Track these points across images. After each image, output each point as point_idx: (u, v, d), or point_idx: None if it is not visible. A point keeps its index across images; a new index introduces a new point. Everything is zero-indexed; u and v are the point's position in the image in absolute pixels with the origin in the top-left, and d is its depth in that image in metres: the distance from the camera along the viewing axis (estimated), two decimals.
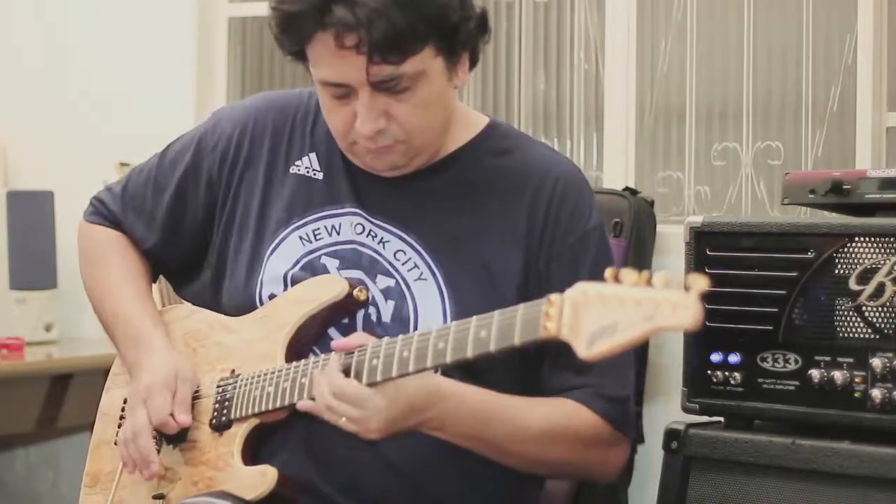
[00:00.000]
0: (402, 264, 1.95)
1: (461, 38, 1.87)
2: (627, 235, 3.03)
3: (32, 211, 3.65)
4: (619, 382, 1.96)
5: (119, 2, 3.93)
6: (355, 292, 1.93)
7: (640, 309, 1.49)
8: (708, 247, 2.26)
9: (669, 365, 3.05)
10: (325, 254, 1.98)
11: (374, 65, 1.80)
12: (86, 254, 2.19)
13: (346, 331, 1.94)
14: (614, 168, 3.44)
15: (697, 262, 2.27)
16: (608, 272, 1.54)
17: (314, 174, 2.03)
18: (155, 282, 2.20)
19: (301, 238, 2.00)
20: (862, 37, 3.16)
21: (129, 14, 3.90)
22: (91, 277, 2.17)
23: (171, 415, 1.95)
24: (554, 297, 1.60)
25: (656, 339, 3.08)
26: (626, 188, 3.18)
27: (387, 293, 1.94)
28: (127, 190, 2.16)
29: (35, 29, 4.00)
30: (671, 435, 2.25)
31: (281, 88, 3.74)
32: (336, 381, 1.79)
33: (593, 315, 1.54)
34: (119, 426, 2.10)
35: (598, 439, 1.94)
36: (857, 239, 2.13)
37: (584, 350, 1.54)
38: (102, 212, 2.18)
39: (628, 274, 1.52)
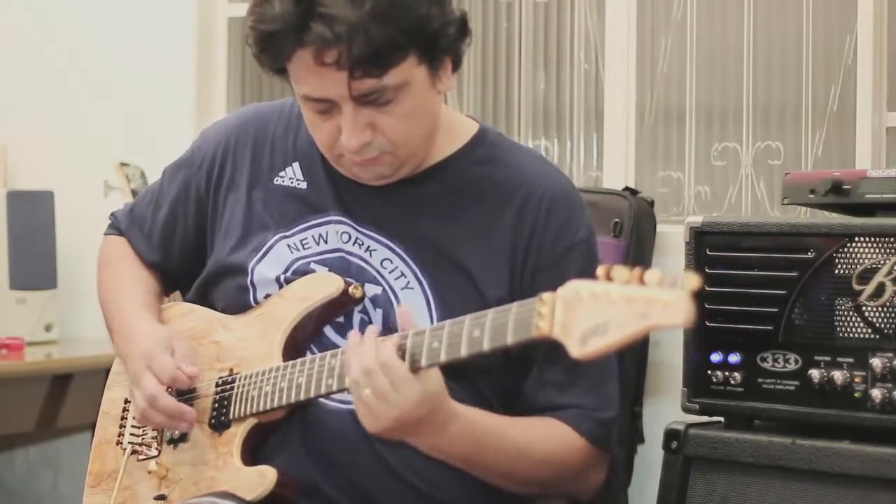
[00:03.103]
0: (389, 273, 1.95)
1: (442, 45, 1.86)
2: (627, 235, 3.03)
3: (32, 211, 3.65)
4: (606, 403, 1.96)
5: (119, 2, 3.93)
6: (350, 289, 1.93)
7: (632, 307, 1.48)
8: (708, 247, 2.26)
9: (669, 365, 3.05)
10: (315, 261, 1.98)
11: (355, 80, 1.79)
12: (100, 262, 2.24)
13: (342, 330, 1.94)
14: (614, 168, 3.44)
15: (697, 262, 2.26)
16: (600, 269, 1.53)
17: (298, 184, 2.03)
18: (168, 295, 2.22)
19: (289, 247, 2.00)
20: (862, 37, 3.15)
21: (128, 14, 3.90)
22: (100, 282, 2.21)
23: (178, 369, 1.94)
24: (546, 295, 1.59)
25: (655, 339, 3.08)
26: (626, 188, 3.18)
27: (375, 301, 1.94)
28: (135, 208, 2.22)
29: (35, 29, 4.00)
30: (671, 435, 2.25)
31: (280, 88, 3.75)
32: (387, 352, 1.74)
33: (586, 313, 1.53)
34: (121, 426, 2.10)
35: (584, 461, 1.94)
36: (857, 239, 2.13)
37: (577, 349, 1.53)
38: (116, 226, 2.23)
39: (620, 271, 1.51)
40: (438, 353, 1.70)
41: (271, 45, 1.83)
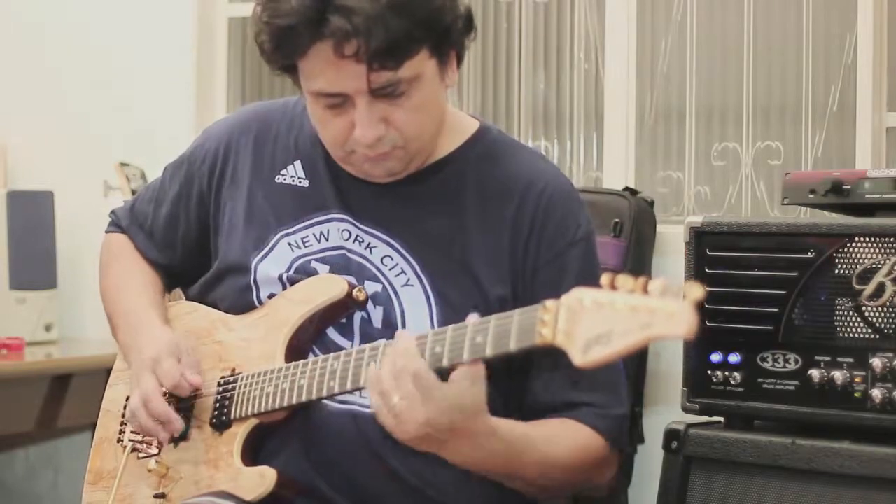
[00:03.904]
0: (390, 270, 1.95)
1: (452, 38, 1.87)
2: (627, 235, 3.03)
3: (32, 211, 3.65)
4: (618, 399, 1.95)
5: (119, 2, 3.93)
6: (354, 292, 1.93)
7: (635, 317, 1.49)
8: (708, 247, 2.27)
9: (670, 365, 3.05)
10: (316, 259, 1.98)
11: (373, 72, 1.79)
12: (101, 260, 2.24)
13: (344, 331, 1.94)
14: (614, 168, 3.44)
15: (697, 262, 2.27)
16: (604, 278, 1.54)
17: (300, 182, 2.03)
18: (169, 292, 2.22)
19: (290, 245, 2.00)
20: (862, 37, 3.15)
21: (128, 14, 3.90)
22: (103, 281, 2.21)
23: (182, 377, 1.94)
24: (549, 303, 1.60)
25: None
26: (626, 188, 3.19)
27: (375, 298, 1.94)
28: (135, 205, 2.21)
29: (35, 29, 4.00)
30: (671, 435, 2.25)
31: (280, 88, 3.76)
32: (419, 364, 1.69)
33: (589, 322, 1.53)
34: (122, 424, 2.10)
35: (603, 459, 1.94)
36: (857, 239, 2.13)
37: (580, 357, 1.54)
38: (117, 223, 2.23)
39: (624, 280, 1.52)
40: (441, 357, 1.71)
41: (288, 40, 1.81)
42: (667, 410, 2.94)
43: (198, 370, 1.97)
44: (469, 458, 1.80)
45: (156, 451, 2.02)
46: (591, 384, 1.92)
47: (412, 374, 1.70)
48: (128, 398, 2.10)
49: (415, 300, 1.92)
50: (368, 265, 1.96)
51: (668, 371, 3.07)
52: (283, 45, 1.83)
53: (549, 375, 1.93)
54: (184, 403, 1.99)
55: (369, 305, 1.94)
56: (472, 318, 1.70)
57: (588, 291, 1.55)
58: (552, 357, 1.82)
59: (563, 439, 1.90)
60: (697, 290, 1.45)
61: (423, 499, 1.91)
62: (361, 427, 1.89)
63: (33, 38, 4.00)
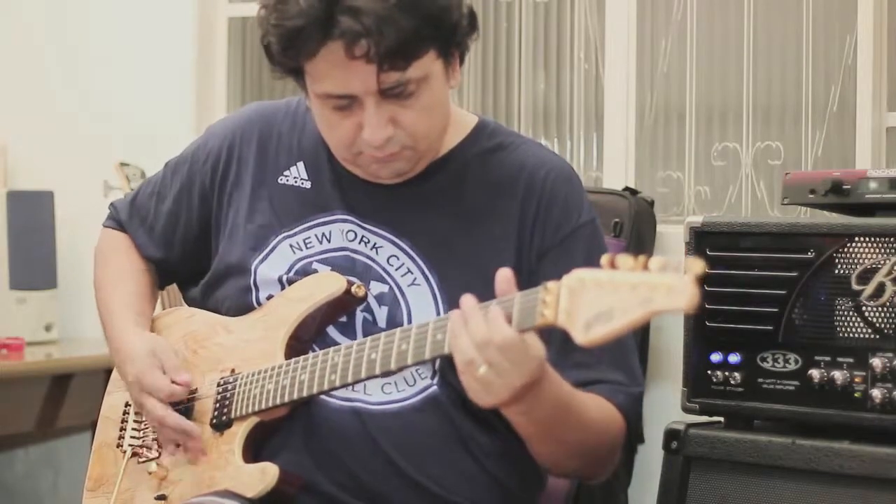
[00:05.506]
0: (396, 270, 1.95)
1: (458, 37, 1.87)
2: (627, 235, 3.03)
3: (32, 211, 3.65)
4: (634, 378, 1.94)
5: (119, 2, 3.93)
6: (353, 289, 1.93)
7: (636, 293, 1.49)
8: (708, 247, 2.27)
9: (669, 364, 3.05)
10: (317, 261, 1.98)
11: (383, 72, 1.79)
12: (97, 256, 2.23)
13: (346, 331, 1.94)
14: (614, 168, 3.44)
15: None
16: (604, 258, 1.54)
17: (302, 183, 2.03)
18: (163, 288, 2.22)
19: (292, 246, 2.00)
20: (862, 37, 3.16)
21: (128, 14, 3.91)
22: (97, 278, 2.21)
23: (171, 384, 1.95)
24: (551, 284, 1.60)
25: (656, 337, 3.08)
26: (626, 188, 3.19)
27: (380, 299, 1.94)
28: (136, 199, 2.20)
29: (35, 29, 4.00)
30: (671, 435, 2.26)
31: (281, 88, 3.76)
32: (505, 331, 1.64)
33: (590, 301, 1.54)
34: (121, 429, 2.10)
35: (620, 435, 1.92)
36: (857, 239, 2.13)
37: (582, 336, 1.54)
38: (115, 217, 2.22)
39: (624, 259, 1.52)
40: (442, 345, 1.71)
41: (297, 42, 1.80)
42: (667, 409, 2.94)
43: (181, 368, 1.97)
44: (536, 412, 1.76)
45: (156, 454, 2.02)
46: (605, 363, 1.90)
47: (497, 346, 1.65)
48: (127, 404, 2.11)
49: (421, 299, 1.92)
50: (374, 265, 1.95)
51: (668, 371, 3.07)
52: (291, 48, 1.82)
53: (564, 360, 1.89)
54: (183, 405, 1.99)
55: (374, 305, 1.94)
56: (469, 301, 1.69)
57: (589, 271, 1.55)
58: (565, 343, 1.79)
59: (594, 402, 1.88)
60: (698, 265, 1.46)
61: (426, 494, 1.90)
62: (364, 423, 1.89)
63: (33, 39, 4.00)
